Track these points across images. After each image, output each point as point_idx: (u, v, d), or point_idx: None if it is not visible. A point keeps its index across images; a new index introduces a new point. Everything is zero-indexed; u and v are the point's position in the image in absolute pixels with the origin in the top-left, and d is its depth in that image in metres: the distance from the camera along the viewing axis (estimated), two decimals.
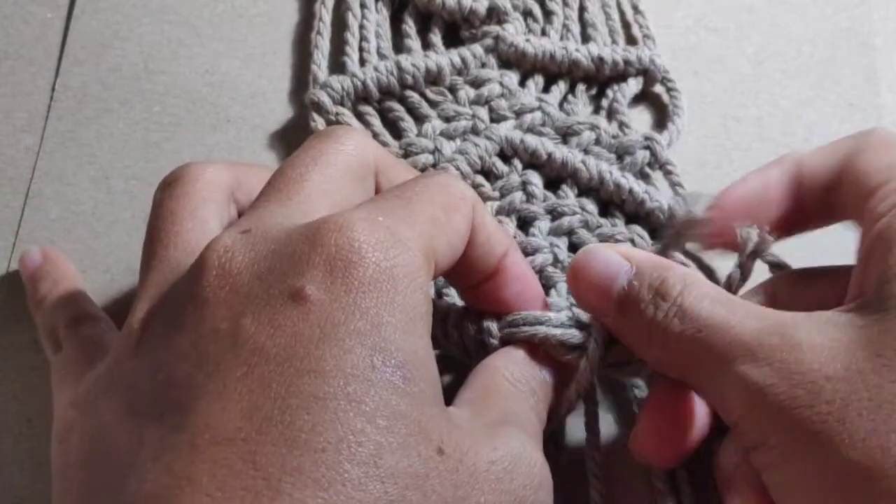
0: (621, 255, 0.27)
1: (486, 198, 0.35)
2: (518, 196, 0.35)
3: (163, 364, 0.22)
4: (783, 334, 0.24)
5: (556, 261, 0.33)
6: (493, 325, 0.29)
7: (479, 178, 0.35)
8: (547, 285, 0.33)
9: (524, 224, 0.35)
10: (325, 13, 0.40)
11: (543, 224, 0.34)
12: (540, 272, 0.33)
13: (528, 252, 0.33)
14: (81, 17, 0.40)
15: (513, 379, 0.27)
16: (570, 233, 0.34)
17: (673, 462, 0.28)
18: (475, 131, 0.36)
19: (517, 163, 0.36)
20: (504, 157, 0.36)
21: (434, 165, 0.35)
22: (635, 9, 0.40)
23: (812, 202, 0.28)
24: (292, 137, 0.38)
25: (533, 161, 0.36)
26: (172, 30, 0.40)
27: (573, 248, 0.34)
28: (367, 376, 0.21)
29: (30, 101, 0.39)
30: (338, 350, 0.21)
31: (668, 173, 0.36)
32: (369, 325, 0.22)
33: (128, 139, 0.38)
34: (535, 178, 0.35)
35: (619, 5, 0.41)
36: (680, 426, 0.28)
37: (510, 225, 0.34)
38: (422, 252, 0.24)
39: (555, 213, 0.35)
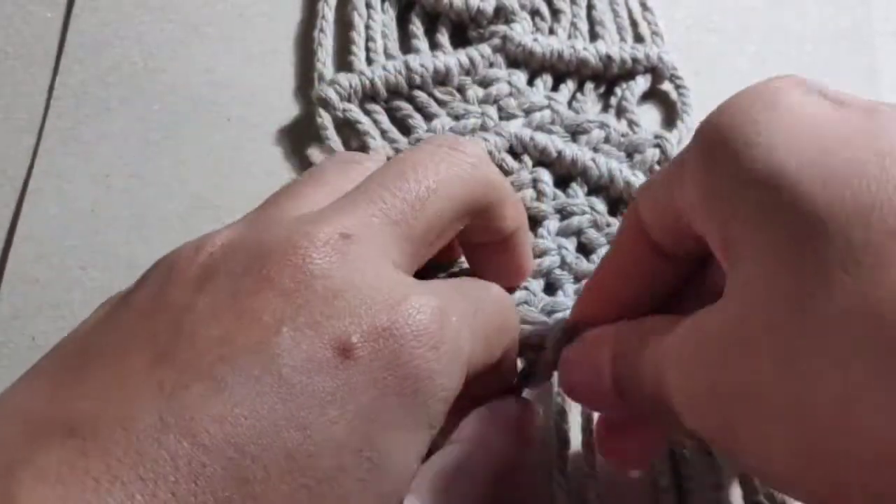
0: (596, 343, 0.26)
1: None
2: (528, 193, 0.35)
3: (197, 308, 0.22)
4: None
5: (563, 263, 0.33)
6: None
7: None
8: (554, 287, 0.33)
9: (533, 223, 0.35)
10: (328, 12, 0.40)
11: (552, 224, 0.34)
12: (547, 274, 0.33)
13: (536, 254, 0.33)
14: (81, 15, 0.40)
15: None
16: (578, 233, 0.34)
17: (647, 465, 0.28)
18: (484, 129, 0.36)
19: (527, 160, 0.36)
20: (514, 154, 0.36)
21: None
22: (643, 6, 0.41)
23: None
24: (294, 137, 0.38)
25: (542, 159, 0.36)
26: (172, 28, 0.40)
27: (582, 248, 0.34)
28: (342, 461, 0.21)
29: (29, 100, 0.38)
30: (337, 417, 0.20)
31: None
32: (378, 413, 0.21)
33: (127, 137, 0.37)
34: (546, 176, 0.35)
35: (626, 3, 0.41)
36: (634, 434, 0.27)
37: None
38: (465, 371, 0.23)
39: (564, 213, 0.35)
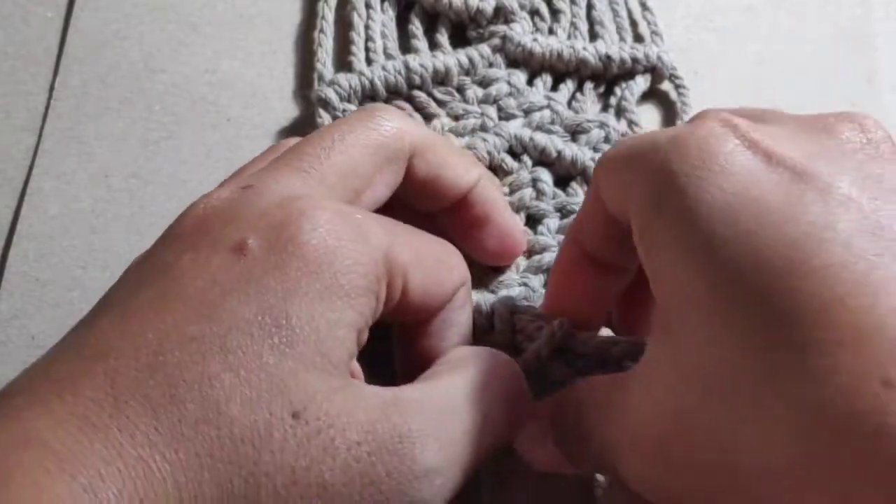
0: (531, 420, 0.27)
1: None
2: (528, 193, 0.35)
3: (116, 284, 0.24)
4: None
5: None
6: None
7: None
8: None
9: (533, 221, 0.35)
10: (328, 12, 0.40)
11: (552, 222, 0.34)
12: (548, 270, 0.33)
13: (535, 251, 0.33)
14: (81, 15, 0.40)
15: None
16: None
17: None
18: (484, 129, 0.36)
19: (527, 159, 0.36)
20: (513, 154, 0.36)
21: None
22: (643, 6, 0.41)
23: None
24: (293, 136, 0.38)
25: (542, 159, 0.36)
26: (173, 28, 0.40)
27: None
28: (249, 331, 0.22)
29: (29, 100, 0.38)
30: (237, 302, 0.22)
31: None
32: (281, 288, 0.22)
33: (127, 137, 0.37)
34: (546, 176, 0.35)
35: (626, 3, 0.41)
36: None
37: (519, 222, 0.34)
38: (382, 259, 0.24)
39: (564, 211, 0.35)
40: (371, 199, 0.27)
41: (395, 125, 0.28)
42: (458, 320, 0.28)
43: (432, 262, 0.27)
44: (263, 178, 0.25)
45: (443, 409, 0.24)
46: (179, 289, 0.22)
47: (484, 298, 0.31)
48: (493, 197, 0.31)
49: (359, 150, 0.27)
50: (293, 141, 0.29)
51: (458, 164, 0.30)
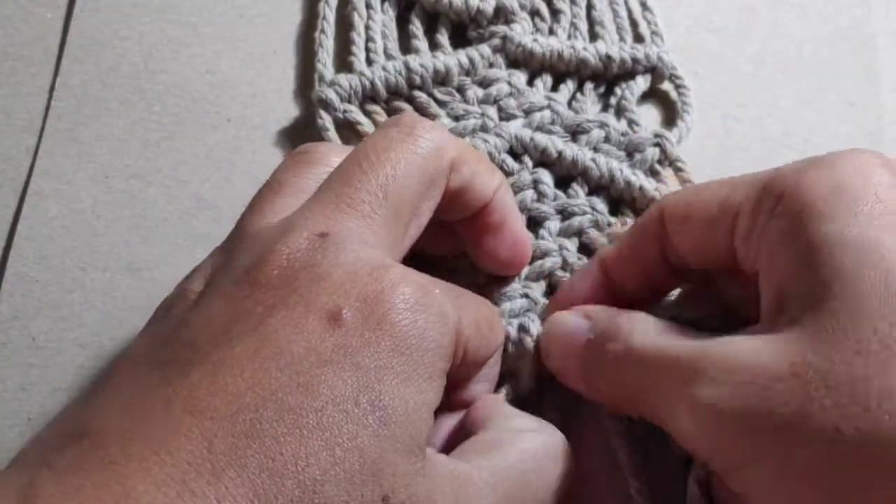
0: (582, 314, 0.29)
1: None
2: (529, 195, 0.35)
3: (193, 322, 0.24)
4: (722, 350, 0.24)
5: (565, 264, 0.33)
6: None
7: None
8: (556, 289, 0.33)
9: (534, 224, 0.35)
10: (328, 12, 0.40)
11: (553, 225, 0.34)
12: (549, 276, 0.33)
13: (536, 255, 0.33)
14: (81, 15, 0.40)
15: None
16: (580, 233, 0.34)
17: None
18: (484, 129, 0.36)
19: (528, 160, 0.36)
20: (514, 154, 0.36)
21: None
22: (643, 6, 0.41)
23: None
24: (294, 137, 0.38)
25: (543, 159, 0.36)
26: (172, 29, 0.40)
27: (583, 248, 0.34)
28: (345, 407, 0.22)
29: (30, 100, 0.38)
30: (333, 375, 0.22)
31: (678, 170, 0.36)
32: (374, 366, 0.23)
33: (127, 138, 0.37)
34: (546, 177, 0.35)
35: (626, 2, 0.41)
36: None
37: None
38: (455, 336, 0.25)
39: (565, 213, 0.35)
40: (416, 228, 0.28)
41: (435, 143, 0.28)
42: (492, 372, 0.30)
43: (486, 330, 0.27)
44: (334, 223, 0.25)
45: (508, 495, 0.25)
46: (274, 350, 0.22)
47: None
48: (510, 202, 0.31)
49: (409, 182, 0.27)
50: (323, 147, 0.29)
51: (485, 171, 0.30)
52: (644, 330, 0.27)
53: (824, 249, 0.23)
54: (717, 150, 0.38)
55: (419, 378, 0.23)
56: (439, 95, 0.38)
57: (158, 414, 0.21)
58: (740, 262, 0.27)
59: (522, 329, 0.31)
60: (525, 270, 0.33)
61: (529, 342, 0.31)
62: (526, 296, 0.32)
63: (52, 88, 0.38)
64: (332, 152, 0.28)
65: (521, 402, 0.31)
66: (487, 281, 0.33)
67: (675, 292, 0.32)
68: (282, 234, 0.25)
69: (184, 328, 0.23)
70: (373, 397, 0.22)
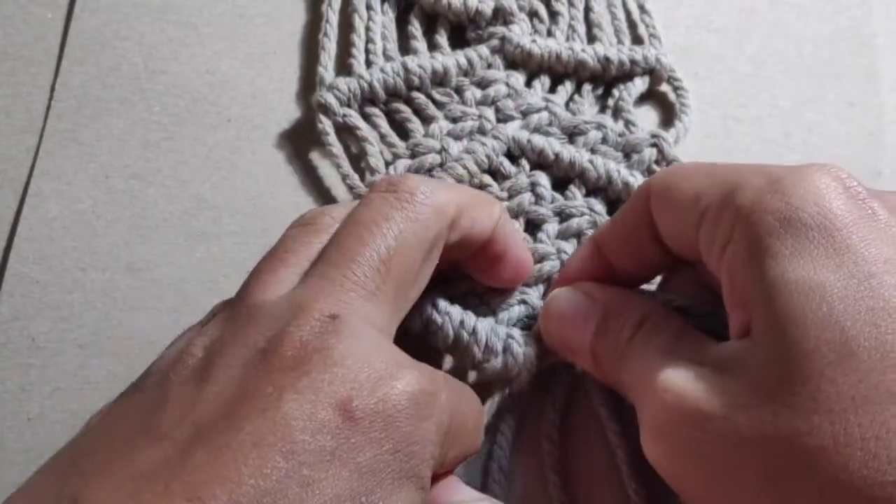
0: (583, 292, 0.30)
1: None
2: (527, 197, 0.35)
3: (197, 397, 0.23)
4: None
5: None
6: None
7: (487, 178, 0.35)
8: None
9: (532, 227, 0.35)
10: (331, 15, 0.40)
11: (552, 227, 0.34)
12: (548, 279, 0.33)
13: (535, 259, 0.33)
14: (81, 16, 0.40)
15: None
16: (578, 235, 0.34)
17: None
18: (482, 131, 0.36)
19: (525, 163, 0.36)
20: (511, 157, 0.36)
21: (441, 165, 0.35)
22: (641, 8, 0.41)
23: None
24: (294, 137, 0.38)
25: (540, 161, 0.36)
26: (173, 29, 0.40)
27: None
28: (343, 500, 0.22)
29: (30, 101, 0.38)
30: (336, 475, 0.22)
31: None
32: (375, 467, 0.22)
33: (128, 138, 0.37)
34: (544, 180, 0.35)
35: (624, 5, 0.41)
36: None
37: (518, 228, 0.34)
38: (444, 437, 0.25)
39: (563, 216, 0.35)
40: (417, 291, 0.28)
41: (434, 207, 0.27)
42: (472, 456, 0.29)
43: (472, 427, 0.27)
44: (344, 304, 0.25)
45: None
46: (280, 438, 0.22)
47: (497, 336, 0.31)
48: (510, 231, 0.31)
49: (410, 252, 0.27)
50: (327, 218, 0.28)
51: (484, 215, 0.29)
52: (649, 326, 0.27)
53: (773, 289, 0.23)
54: (717, 150, 0.38)
55: (412, 486, 0.23)
56: (437, 96, 0.38)
57: (157, 494, 0.20)
58: (705, 261, 0.27)
59: (514, 338, 0.31)
60: None
61: (530, 353, 0.31)
62: (524, 302, 0.32)
63: (52, 89, 0.38)
64: (338, 221, 0.28)
65: (522, 403, 0.31)
66: (486, 290, 0.33)
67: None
68: (293, 314, 0.24)
69: (186, 401, 0.23)
70: (371, 499, 0.22)
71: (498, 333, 0.31)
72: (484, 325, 0.31)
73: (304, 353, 0.23)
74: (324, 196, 0.37)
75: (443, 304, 0.31)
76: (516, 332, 0.31)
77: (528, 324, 0.32)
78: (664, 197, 0.28)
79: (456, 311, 0.31)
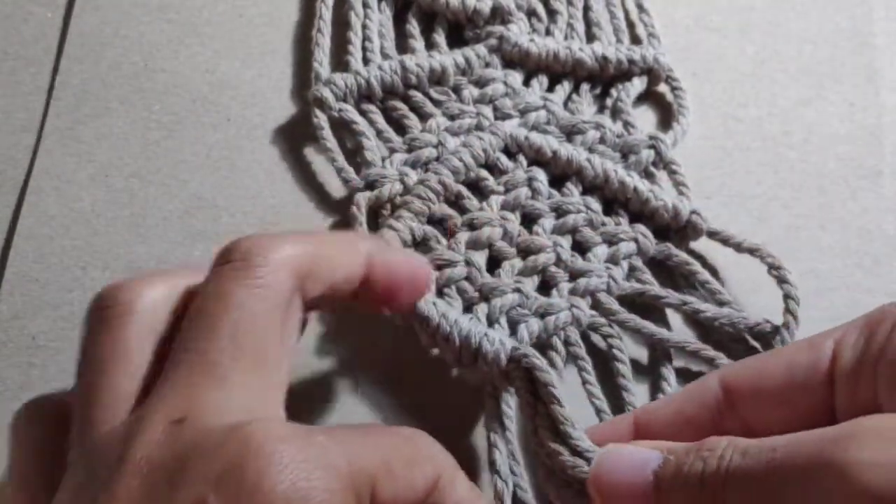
0: (648, 446, 0.26)
1: (489, 192, 0.35)
2: (523, 192, 0.35)
3: None
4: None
5: (558, 260, 0.33)
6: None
7: (483, 173, 0.35)
8: (550, 284, 0.33)
9: (528, 220, 0.35)
10: (325, 12, 0.40)
11: (548, 222, 0.34)
12: (543, 271, 0.33)
13: (531, 251, 0.33)
14: (81, 14, 0.40)
15: None
16: (574, 231, 0.34)
17: None
18: (479, 128, 0.36)
19: (522, 159, 0.36)
20: (509, 154, 0.36)
21: (437, 159, 0.35)
22: (640, 7, 0.40)
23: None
24: (292, 136, 0.38)
25: (538, 158, 0.36)
26: (172, 28, 0.40)
27: (577, 246, 0.34)
28: None
29: (29, 100, 0.38)
30: None
31: (672, 172, 0.36)
32: None
33: (127, 137, 0.38)
34: (541, 175, 0.35)
35: (623, 4, 0.41)
36: None
37: (514, 221, 0.34)
38: (352, 488, 0.22)
39: (559, 211, 0.35)
40: (287, 350, 0.25)
41: (274, 264, 0.24)
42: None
43: (402, 469, 0.24)
44: (191, 403, 0.22)
45: None
46: None
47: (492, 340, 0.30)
48: (388, 259, 0.28)
49: (258, 321, 0.24)
50: (127, 294, 0.25)
51: (345, 260, 0.27)
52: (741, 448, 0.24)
53: None
54: (717, 150, 0.38)
55: None
56: (435, 95, 0.38)
57: None
58: (843, 399, 0.25)
59: (513, 322, 0.31)
60: (519, 265, 0.33)
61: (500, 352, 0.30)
62: (518, 290, 0.32)
63: (51, 88, 0.38)
64: (140, 296, 0.25)
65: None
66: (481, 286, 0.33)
67: None
68: (132, 435, 0.22)
69: None
70: None
71: (477, 332, 0.30)
72: (465, 322, 0.30)
73: (151, 476, 0.21)
74: (321, 195, 0.37)
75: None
76: (492, 332, 0.31)
77: (521, 313, 0.32)
78: (755, 385, 0.27)
79: (443, 306, 0.31)
